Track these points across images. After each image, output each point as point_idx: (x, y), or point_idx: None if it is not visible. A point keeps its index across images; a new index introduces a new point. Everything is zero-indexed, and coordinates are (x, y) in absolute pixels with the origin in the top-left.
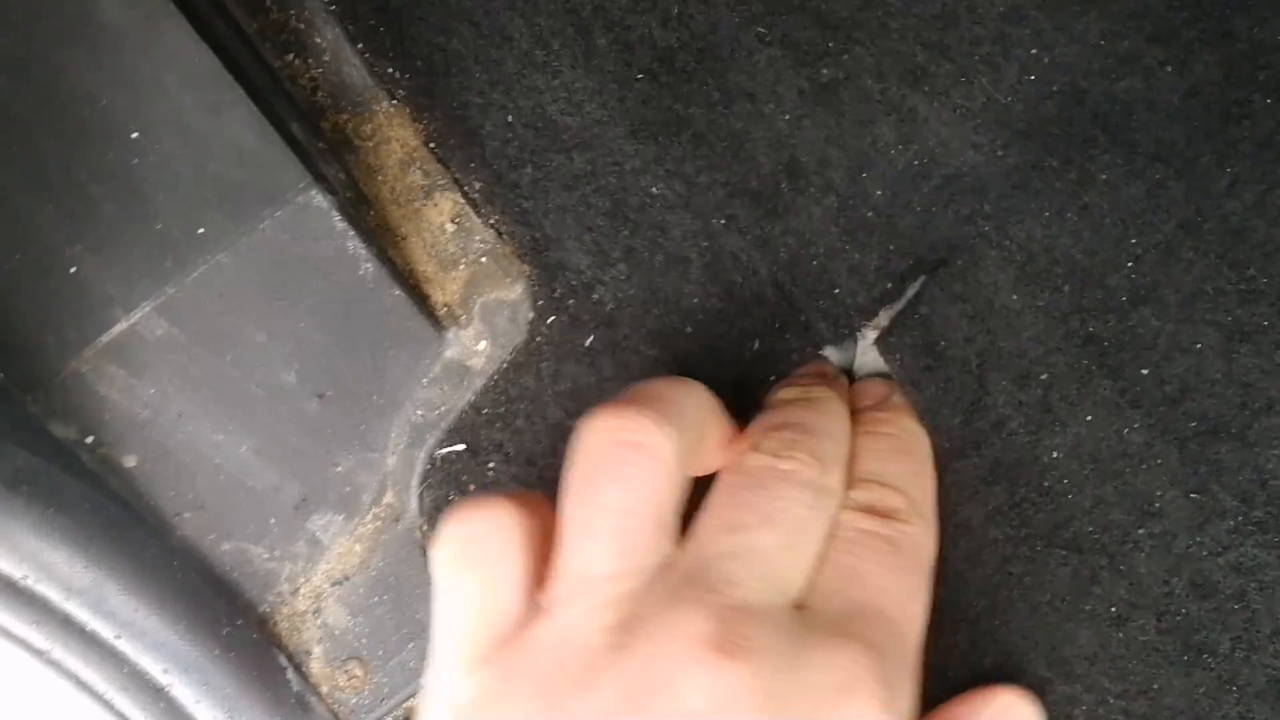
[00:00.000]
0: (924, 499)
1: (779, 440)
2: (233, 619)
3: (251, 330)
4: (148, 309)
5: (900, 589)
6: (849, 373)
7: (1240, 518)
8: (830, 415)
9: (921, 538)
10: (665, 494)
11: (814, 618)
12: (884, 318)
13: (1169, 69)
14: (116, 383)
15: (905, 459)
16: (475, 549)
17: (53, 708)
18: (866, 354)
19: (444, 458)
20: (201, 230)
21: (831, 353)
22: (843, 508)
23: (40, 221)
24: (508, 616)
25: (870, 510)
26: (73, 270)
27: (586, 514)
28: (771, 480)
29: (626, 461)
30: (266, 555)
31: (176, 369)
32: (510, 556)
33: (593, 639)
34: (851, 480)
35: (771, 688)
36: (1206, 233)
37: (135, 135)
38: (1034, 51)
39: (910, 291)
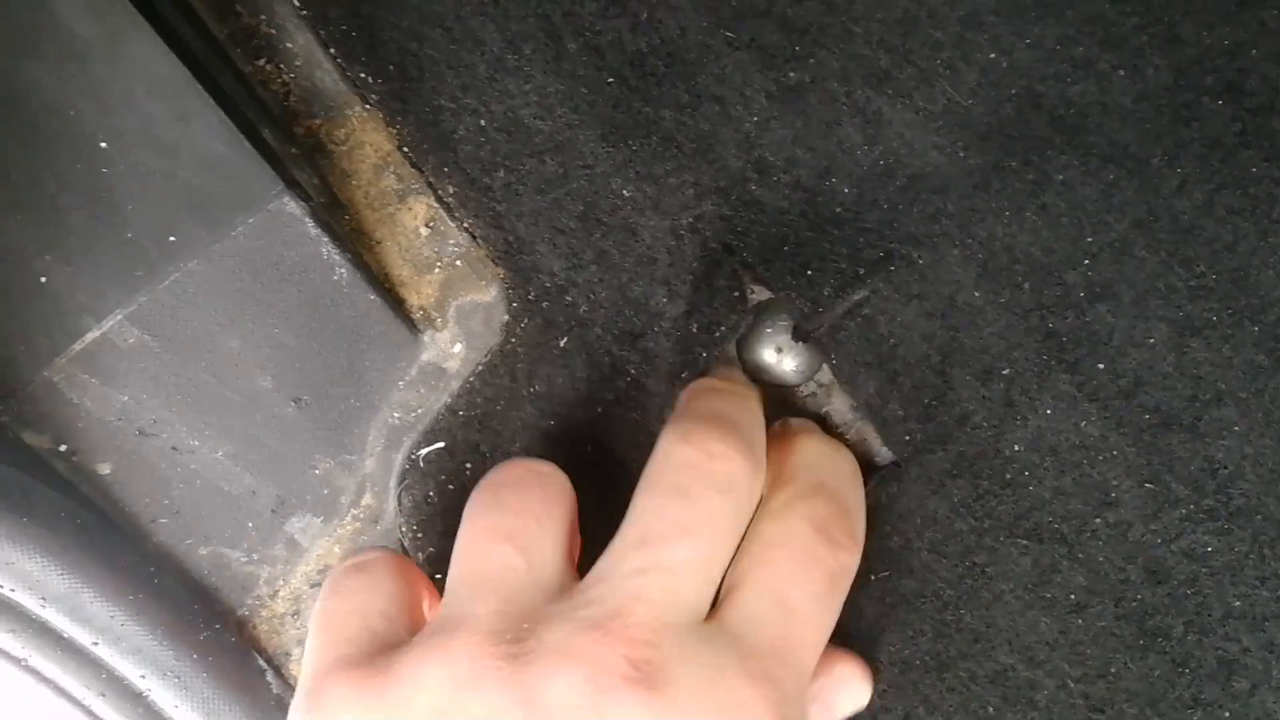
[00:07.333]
0: (860, 517)
1: (708, 430)
2: (211, 623)
3: (225, 336)
4: (119, 317)
5: (823, 627)
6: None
7: (1192, 506)
8: (751, 409)
9: (853, 569)
10: (563, 510)
11: (728, 639)
12: (824, 322)
13: (1121, 73)
14: (89, 391)
15: (841, 461)
16: (367, 561)
17: (31, 714)
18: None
19: (422, 459)
20: (173, 238)
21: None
22: (790, 510)
23: (9, 232)
24: (389, 621)
25: (821, 530)
26: (43, 280)
27: (486, 522)
28: (698, 483)
29: (529, 480)
30: (244, 559)
31: (150, 376)
32: (398, 575)
33: (484, 667)
34: (784, 478)
35: (683, 717)
36: (1158, 231)
37: (104, 145)
38: (992, 56)
39: (856, 296)
